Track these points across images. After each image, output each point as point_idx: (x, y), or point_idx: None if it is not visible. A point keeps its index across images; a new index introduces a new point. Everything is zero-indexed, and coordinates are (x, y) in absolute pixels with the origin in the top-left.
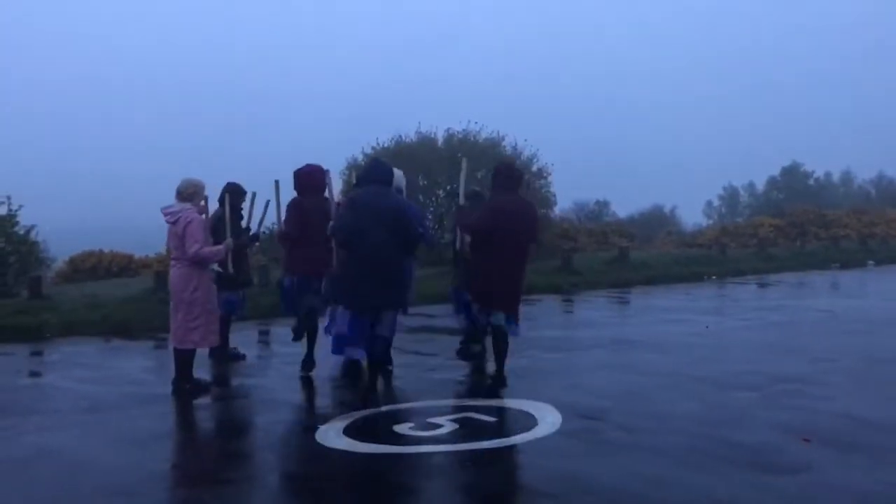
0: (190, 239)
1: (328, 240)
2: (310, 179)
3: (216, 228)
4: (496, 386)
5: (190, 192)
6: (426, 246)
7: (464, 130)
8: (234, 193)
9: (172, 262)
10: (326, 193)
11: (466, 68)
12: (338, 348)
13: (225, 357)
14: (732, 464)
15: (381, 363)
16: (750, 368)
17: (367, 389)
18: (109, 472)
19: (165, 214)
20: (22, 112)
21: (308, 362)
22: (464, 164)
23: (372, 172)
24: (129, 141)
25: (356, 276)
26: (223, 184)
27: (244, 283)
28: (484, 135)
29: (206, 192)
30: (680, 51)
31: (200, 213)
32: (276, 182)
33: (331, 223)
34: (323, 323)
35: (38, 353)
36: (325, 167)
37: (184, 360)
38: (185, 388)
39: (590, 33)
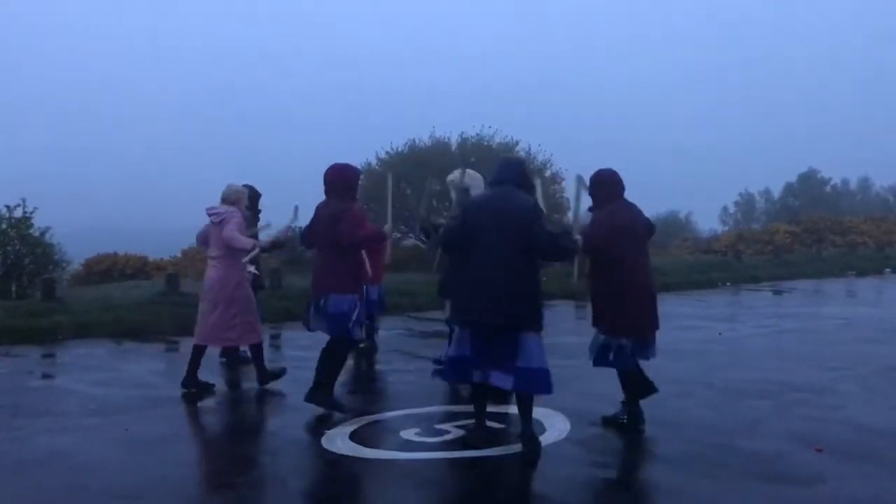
0: (227, 227)
1: (343, 251)
2: (327, 178)
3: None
4: (631, 425)
5: (234, 199)
6: (559, 255)
7: (477, 135)
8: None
9: (212, 262)
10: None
11: (477, 73)
12: (447, 373)
13: (235, 360)
14: (743, 473)
15: (527, 397)
16: (763, 376)
17: (525, 437)
18: (117, 475)
19: (210, 214)
20: (42, 114)
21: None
22: (578, 183)
23: (497, 173)
24: (147, 143)
25: (467, 286)
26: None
27: (257, 287)
28: (497, 139)
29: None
30: (697, 56)
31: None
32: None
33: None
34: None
35: (49, 355)
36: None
37: (198, 357)
38: (191, 390)
39: (606, 38)
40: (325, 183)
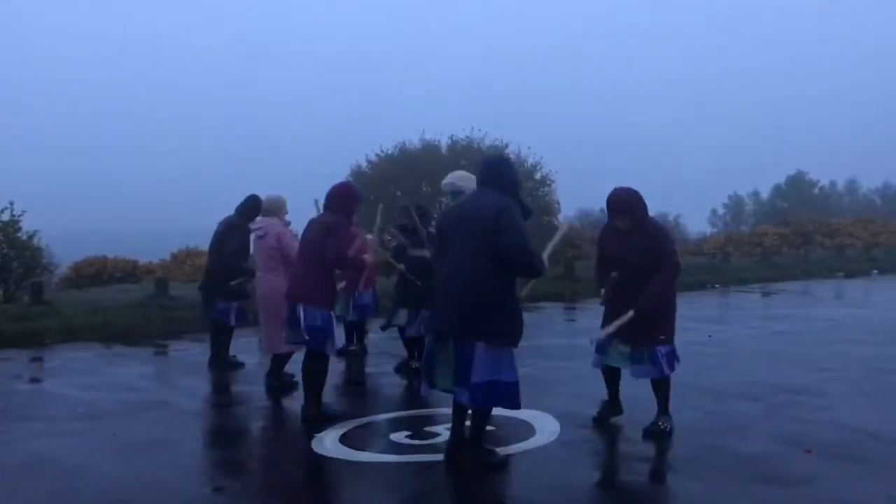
0: (288, 248)
1: (330, 265)
2: (328, 194)
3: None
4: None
5: (274, 209)
6: (522, 267)
7: (467, 137)
8: (254, 207)
9: (262, 275)
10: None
11: (469, 74)
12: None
13: (225, 365)
14: (733, 475)
15: (478, 413)
16: (753, 378)
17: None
18: (106, 479)
19: (254, 230)
20: (32, 115)
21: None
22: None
23: (477, 175)
24: (138, 146)
25: (438, 294)
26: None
27: (241, 294)
28: (488, 142)
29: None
30: (687, 59)
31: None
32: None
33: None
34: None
35: (37, 359)
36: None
37: (283, 360)
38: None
39: (596, 40)
40: (326, 197)
